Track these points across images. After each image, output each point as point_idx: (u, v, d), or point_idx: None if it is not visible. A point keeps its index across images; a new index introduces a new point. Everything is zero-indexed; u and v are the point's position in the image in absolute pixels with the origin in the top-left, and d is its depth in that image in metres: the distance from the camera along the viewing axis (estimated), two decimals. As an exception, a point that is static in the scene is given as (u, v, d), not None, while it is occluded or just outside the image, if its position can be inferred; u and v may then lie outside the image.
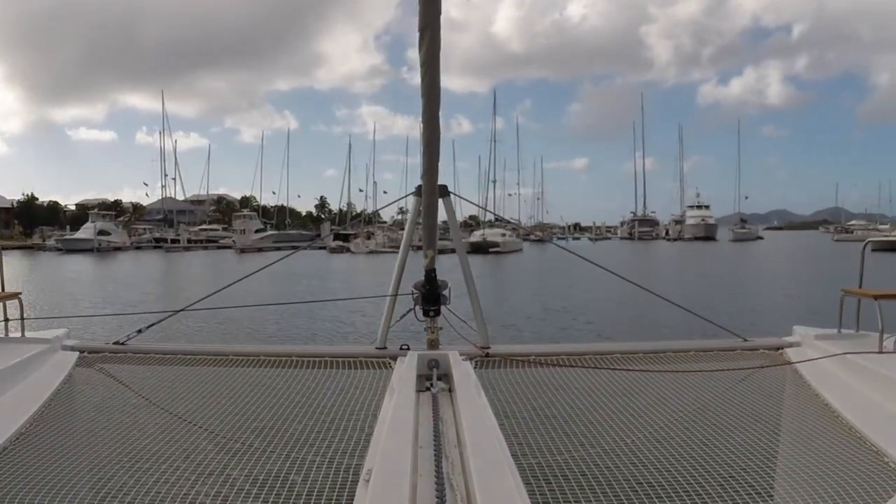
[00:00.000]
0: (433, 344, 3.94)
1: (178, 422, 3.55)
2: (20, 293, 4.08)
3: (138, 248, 75.65)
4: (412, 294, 4.02)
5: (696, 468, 2.97)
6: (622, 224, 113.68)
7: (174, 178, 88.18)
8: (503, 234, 65.05)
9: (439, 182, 3.66)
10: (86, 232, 71.98)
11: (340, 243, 65.41)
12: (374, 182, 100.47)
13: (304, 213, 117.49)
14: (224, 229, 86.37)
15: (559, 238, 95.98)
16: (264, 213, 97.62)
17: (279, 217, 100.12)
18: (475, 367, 3.55)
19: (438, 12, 2.85)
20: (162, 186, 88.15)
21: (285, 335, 16.25)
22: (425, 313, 3.97)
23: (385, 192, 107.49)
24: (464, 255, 4.33)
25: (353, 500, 1.84)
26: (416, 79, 3.09)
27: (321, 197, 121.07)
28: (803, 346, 3.84)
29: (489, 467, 1.74)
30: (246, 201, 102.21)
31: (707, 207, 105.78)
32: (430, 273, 3.97)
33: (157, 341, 4.38)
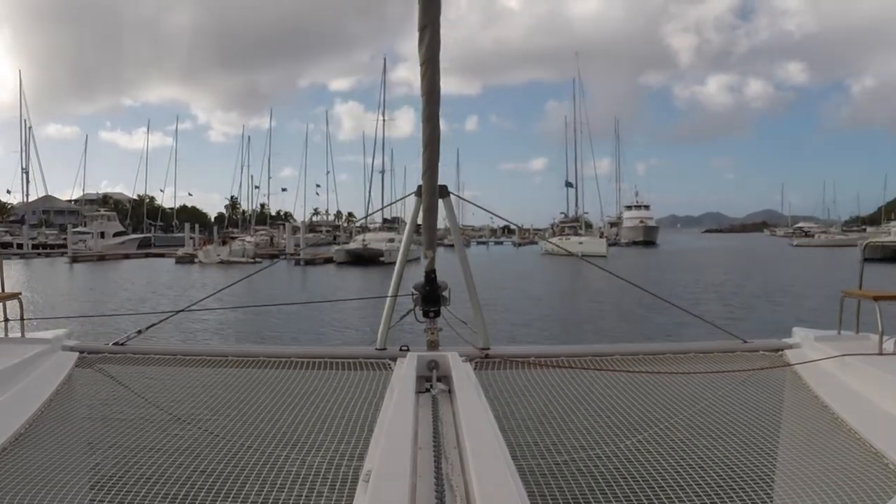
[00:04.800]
0: (433, 345, 3.93)
1: (177, 423, 3.55)
2: (20, 293, 4.08)
3: (-27, 256, 63.51)
4: (412, 295, 4.02)
5: (695, 469, 2.97)
6: (551, 226, 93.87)
7: (27, 173, 72.73)
8: (391, 240, 47.80)
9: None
10: None
11: (189, 251, 53.95)
12: (269, 178, 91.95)
13: (214, 215, 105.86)
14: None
15: (479, 242, 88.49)
16: (159, 214, 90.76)
17: (165, 219, 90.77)
18: (475, 369, 3.55)
19: (438, 12, 2.85)
20: (25, 184, 73.82)
21: (285, 335, 16.24)
22: (425, 314, 3.97)
23: (284, 190, 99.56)
24: (464, 255, 4.33)
25: (352, 500, 1.84)
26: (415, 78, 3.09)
27: (231, 197, 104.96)
28: (803, 348, 3.84)
29: (489, 468, 1.74)
30: (141, 202, 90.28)
31: (647, 207, 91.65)
32: (430, 274, 3.97)
33: (156, 342, 4.39)
